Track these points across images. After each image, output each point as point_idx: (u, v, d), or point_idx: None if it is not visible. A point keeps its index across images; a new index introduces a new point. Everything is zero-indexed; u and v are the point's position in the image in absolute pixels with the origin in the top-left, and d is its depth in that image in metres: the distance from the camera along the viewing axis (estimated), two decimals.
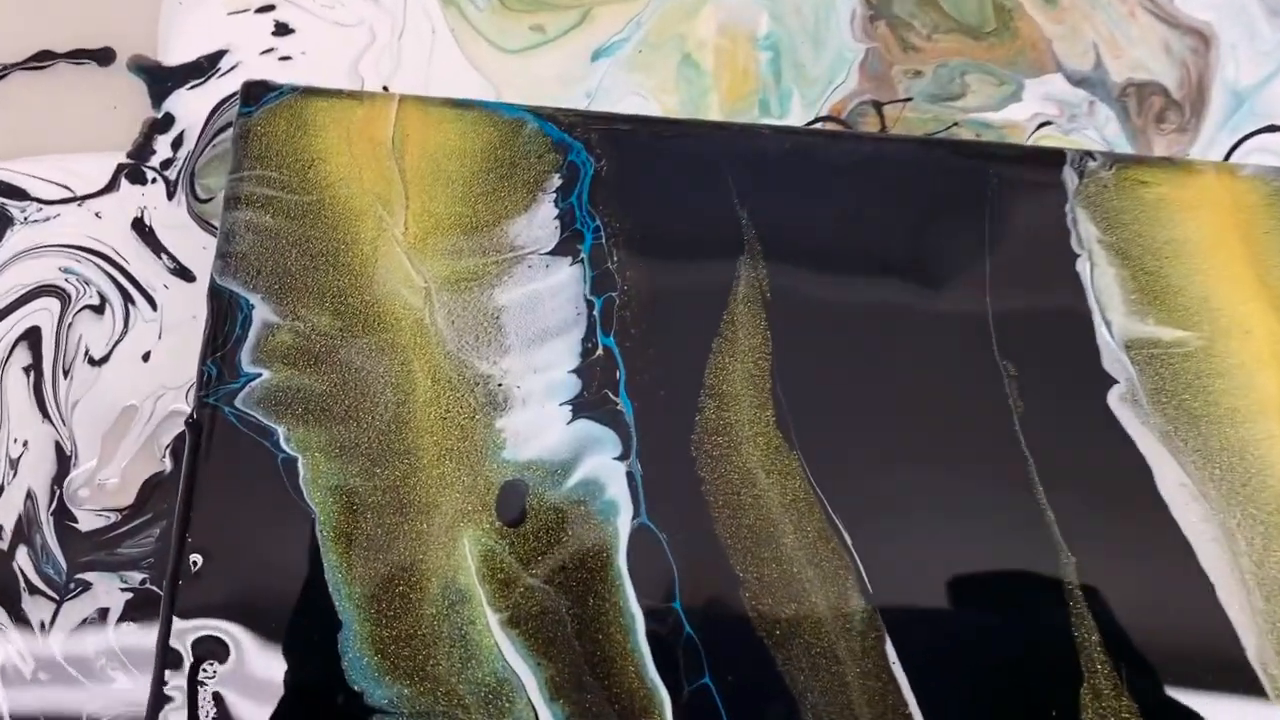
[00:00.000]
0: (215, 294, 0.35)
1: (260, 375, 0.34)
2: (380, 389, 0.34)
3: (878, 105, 0.43)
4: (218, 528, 0.33)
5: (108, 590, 0.37)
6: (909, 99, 0.44)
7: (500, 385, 0.35)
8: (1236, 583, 0.34)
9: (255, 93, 0.37)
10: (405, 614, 0.33)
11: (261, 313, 0.35)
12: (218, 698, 0.32)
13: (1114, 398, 0.36)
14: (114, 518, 0.38)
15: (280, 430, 0.34)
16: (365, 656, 0.32)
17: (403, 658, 0.32)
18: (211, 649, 0.32)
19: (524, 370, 0.35)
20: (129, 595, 0.37)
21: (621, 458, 0.34)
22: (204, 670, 0.31)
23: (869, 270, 0.36)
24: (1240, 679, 0.33)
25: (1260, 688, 0.33)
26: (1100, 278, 0.37)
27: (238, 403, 0.34)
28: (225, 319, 0.35)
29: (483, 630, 0.33)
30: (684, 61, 0.44)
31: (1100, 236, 0.37)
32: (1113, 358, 0.36)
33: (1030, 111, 0.44)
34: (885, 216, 0.37)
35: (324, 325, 0.35)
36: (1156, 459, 0.35)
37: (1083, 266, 0.37)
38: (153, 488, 0.38)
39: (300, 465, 0.34)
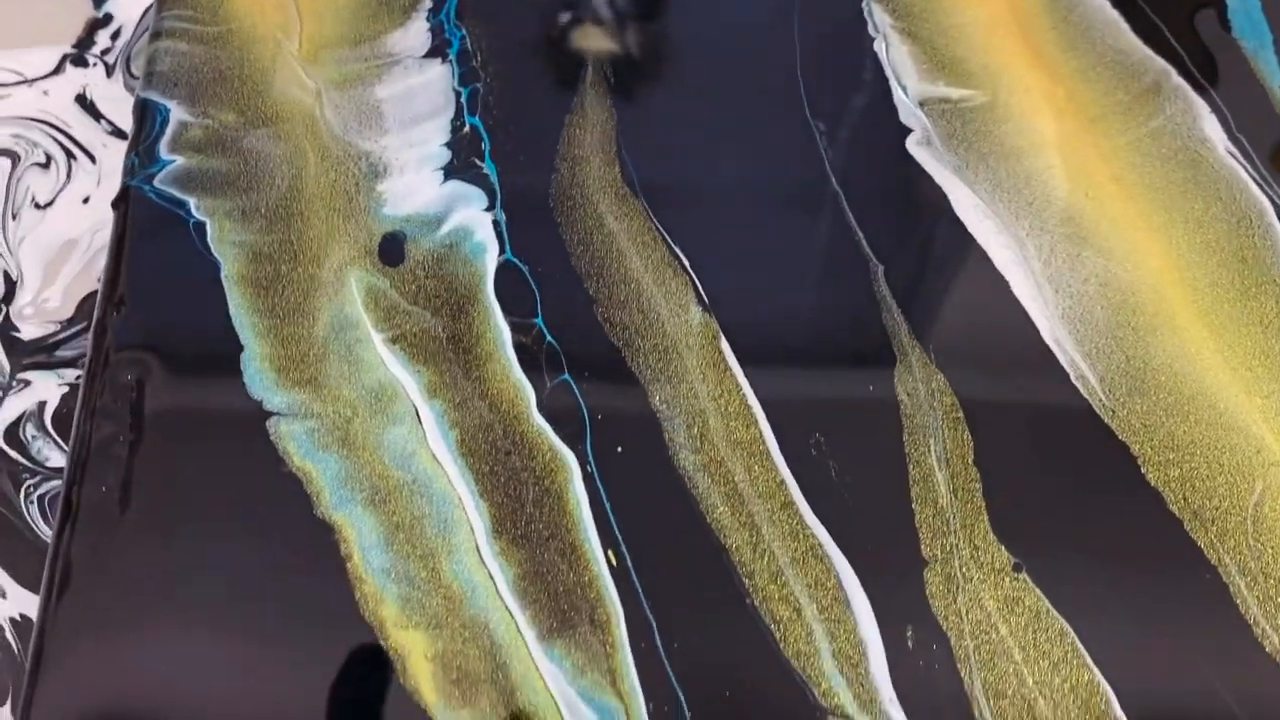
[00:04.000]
0: (139, 104, 0.41)
1: (175, 161, 0.40)
2: (276, 166, 0.40)
3: None
4: (140, 279, 0.38)
5: (46, 386, 0.42)
6: None
7: (381, 158, 0.40)
8: (1028, 279, 0.39)
9: None
10: (298, 339, 0.37)
11: (177, 115, 0.41)
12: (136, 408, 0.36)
13: (911, 142, 0.41)
14: (54, 327, 0.43)
15: (191, 201, 0.39)
16: (263, 373, 0.37)
17: (296, 372, 0.37)
18: (137, 374, 0.37)
19: (401, 146, 0.41)
20: (64, 390, 0.42)
21: (488, 209, 0.40)
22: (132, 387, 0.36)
23: (700, 60, 0.43)
24: (1036, 354, 0.38)
25: (1054, 359, 0.38)
26: (894, 53, 0.43)
27: (156, 183, 0.40)
28: (146, 122, 0.41)
29: (367, 346, 0.37)
30: None
31: (892, 23, 0.43)
32: (909, 113, 0.42)
33: None
34: (712, 22, 0.43)
35: (229, 121, 0.41)
36: (952, 188, 0.40)
37: (879, 46, 0.43)
38: (88, 302, 0.43)
39: (208, 226, 0.39)
